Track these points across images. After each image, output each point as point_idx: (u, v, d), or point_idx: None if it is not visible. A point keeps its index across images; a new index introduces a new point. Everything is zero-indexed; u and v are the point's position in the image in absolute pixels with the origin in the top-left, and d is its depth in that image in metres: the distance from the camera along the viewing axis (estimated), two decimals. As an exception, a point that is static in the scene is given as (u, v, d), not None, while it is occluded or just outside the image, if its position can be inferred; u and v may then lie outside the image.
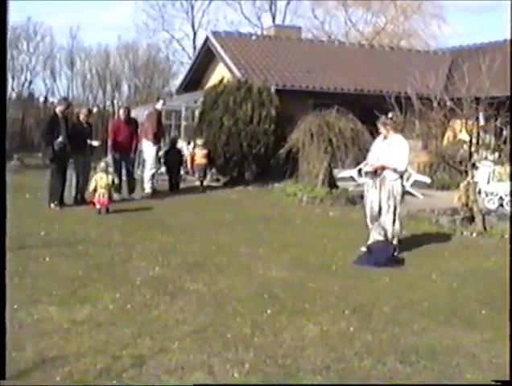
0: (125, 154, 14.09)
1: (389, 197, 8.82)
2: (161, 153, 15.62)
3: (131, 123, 14.38)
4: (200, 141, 16.68)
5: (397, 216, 8.94)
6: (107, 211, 11.93)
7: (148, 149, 15.03)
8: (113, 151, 14.16)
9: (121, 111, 14.49)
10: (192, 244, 9.26)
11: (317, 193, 14.07)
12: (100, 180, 12.19)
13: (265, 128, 16.59)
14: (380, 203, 8.89)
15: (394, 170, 8.77)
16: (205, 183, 16.62)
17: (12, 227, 9.83)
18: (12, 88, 36.45)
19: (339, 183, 15.05)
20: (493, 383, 4.44)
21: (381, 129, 9.00)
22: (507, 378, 4.63)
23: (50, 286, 6.68)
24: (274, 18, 40.77)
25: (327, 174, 14.53)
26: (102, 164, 12.60)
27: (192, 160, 16.56)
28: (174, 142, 16.62)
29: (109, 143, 14.29)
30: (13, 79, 36.37)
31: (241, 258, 8.41)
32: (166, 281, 7.08)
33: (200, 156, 16.52)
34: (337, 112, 14.70)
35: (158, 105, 15.30)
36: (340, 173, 15.47)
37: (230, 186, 16.48)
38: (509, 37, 17.11)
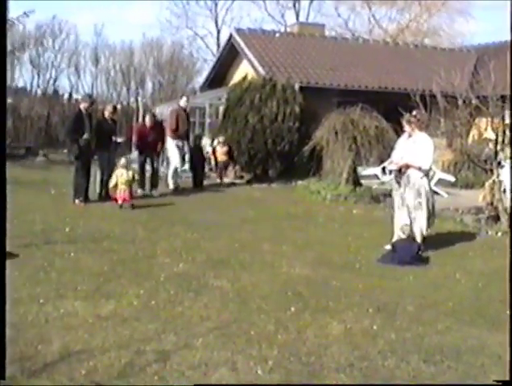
0: (150, 154, 14.19)
1: (417, 195, 8.74)
2: (186, 149, 15.66)
3: (157, 127, 14.47)
4: (220, 138, 16.80)
5: (429, 214, 8.86)
6: (132, 206, 12.02)
7: (170, 146, 15.15)
8: (138, 149, 14.28)
9: (147, 118, 14.56)
10: (215, 240, 9.29)
11: (341, 191, 14.04)
12: (120, 176, 12.28)
13: (289, 125, 16.61)
14: (408, 201, 8.81)
15: (419, 169, 8.71)
16: (228, 180, 16.72)
17: (38, 223, 10.03)
18: (38, 84, 36.92)
19: (363, 181, 15.00)
20: (494, 383, 4.41)
21: (406, 127, 8.94)
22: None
23: (75, 281, 6.73)
24: (297, 16, 40.77)
25: (351, 172, 14.49)
26: (123, 160, 12.69)
27: (214, 157, 16.72)
28: (198, 140, 16.70)
29: (134, 142, 14.42)
30: (38, 76, 36.83)
31: (264, 255, 8.41)
32: (190, 277, 7.10)
33: (221, 153, 16.62)
34: (361, 110, 14.62)
35: (182, 102, 15.39)
36: (364, 171, 15.41)
37: (254, 184, 16.51)
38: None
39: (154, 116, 14.97)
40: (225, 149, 16.56)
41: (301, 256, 8.45)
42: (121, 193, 12.11)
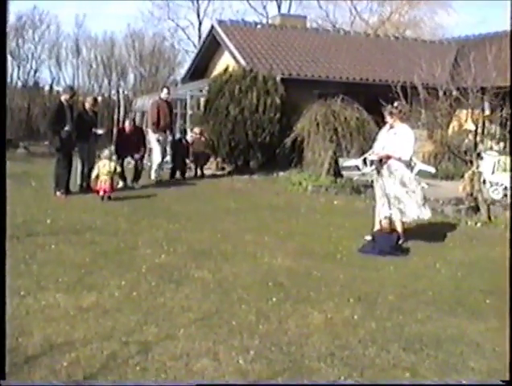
0: (131, 154, 14.17)
1: (403, 185, 8.76)
2: (168, 141, 15.63)
3: (137, 132, 14.43)
4: (196, 129, 16.80)
5: (406, 205, 8.88)
6: (109, 198, 11.98)
7: (151, 139, 15.12)
8: (116, 153, 14.11)
9: (127, 123, 14.62)
10: (197, 232, 9.28)
11: (322, 182, 14.08)
12: (102, 167, 12.22)
13: (270, 116, 16.60)
14: (388, 191, 8.84)
15: (399, 159, 8.76)
16: (210, 172, 16.73)
17: (19, 215, 9.96)
18: (18, 76, 36.57)
19: (344, 173, 15.05)
20: (496, 382, 4.43)
21: (388, 118, 8.98)
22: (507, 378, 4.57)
23: (57, 273, 6.71)
24: (279, 8, 40.75)
25: (332, 164, 14.53)
26: (106, 151, 12.66)
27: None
28: (183, 132, 16.74)
29: (113, 144, 14.40)
30: (18, 67, 36.48)
31: (246, 246, 8.43)
32: (171, 268, 7.10)
33: (197, 144, 16.66)
34: (342, 102, 14.66)
35: (163, 94, 15.31)
36: (345, 162, 15.45)
37: (235, 175, 16.49)
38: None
39: (134, 120, 14.96)
40: (202, 140, 16.55)
41: (283, 246, 8.47)
42: (103, 184, 12.05)
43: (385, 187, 8.87)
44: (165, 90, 15.45)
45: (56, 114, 12.38)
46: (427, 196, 9.80)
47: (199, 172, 16.45)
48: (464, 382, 4.54)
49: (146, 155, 14.77)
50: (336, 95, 14.91)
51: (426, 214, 8.91)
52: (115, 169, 12.48)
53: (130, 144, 13.96)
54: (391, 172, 8.79)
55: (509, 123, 13.11)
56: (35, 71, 37.15)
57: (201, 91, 19.92)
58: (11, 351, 4.63)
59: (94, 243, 8.26)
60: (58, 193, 12.29)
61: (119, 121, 26.02)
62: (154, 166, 14.93)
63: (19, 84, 36.68)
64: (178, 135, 16.89)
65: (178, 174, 15.82)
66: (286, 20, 24.44)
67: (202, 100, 19.28)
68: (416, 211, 8.81)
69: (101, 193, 12.00)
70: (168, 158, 16.14)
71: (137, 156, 14.02)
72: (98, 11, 54.94)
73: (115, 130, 15.82)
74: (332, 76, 19.41)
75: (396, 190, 8.78)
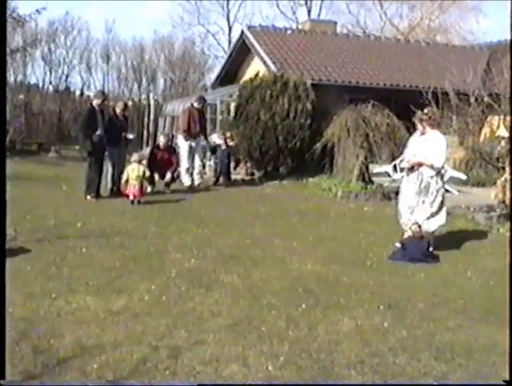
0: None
1: (425, 193, 8.72)
2: (202, 146, 15.69)
3: (169, 150, 14.53)
4: (227, 134, 16.90)
5: (441, 212, 8.81)
6: (138, 202, 12.06)
7: (181, 144, 15.21)
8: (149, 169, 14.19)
9: (161, 139, 14.75)
10: (227, 236, 9.30)
11: (352, 188, 14.01)
12: (131, 172, 12.29)
13: (301, 122, 16.56)
14: (415, 198, 8.78)
15: (431, 167, 8.68)
16: (240, 177, 16.81)
17: (50, 218, 10.08)
18: (49, 81, 36.97)
19: (374, 179, 14.95)
20: (497, 382, 4.41)
21: (418, 125, 8.91)
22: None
23: (87, 276, 6.76)
24: (309, 13, 40.66)
25: (362, 169, 14.44)
26: (135, 155, 12.72)
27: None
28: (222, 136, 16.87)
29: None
30: (50, 72, 36.94)
31: (275, 251, 8.42)
32: (201, 273, 7.12)
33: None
34: (373, 107, 14.58)
35: (196, 104, 15.32)
36: (375, 168, 15.36)
37: (265, 181, 16.50)
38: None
39: (168, 136, 15.09)
40: (231, 144, 16.64)
41: (312, 252, 8.45)
42: (132, 188, 12.13)
43: (416, 194, 8.80)
44: (201, 102, 15.43)
45: (88, 118, 12.52)
46: (457, 204, 9.71)
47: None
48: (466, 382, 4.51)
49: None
50: (367, 100, 14.83)
51: (430, 227, 8.83)
52: (144, 173, 12.55)
53: (163, 161, 14.10)
54: (421, 179, 8.71)
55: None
56: (67, 76, 37.57)
57: (231, 96, 19.96)
58: (43, 353, 4.69)
59: (124, 246, 8.32)
60: (89, 197, 12.42)
61: (149, 125, 26.24)
62: (183, 172, 14.99)
63: (51, 88, 37.10)
64: (218, 141, 16.92)
65: (221, 180, 15.91)
66: (317, 25, 24.42)
67: (232, 105, 19.32)
68: (424, 223, 8.73)
69: (131, 197, 12.08)
70: (210, 163, 16.23)
71: (170, 171, 14.08)
72: (128, 16, 55.39)
73: (149, 148, 15.93)
74: (362, 82, 19.35)
75: (427, 197, 8.71)
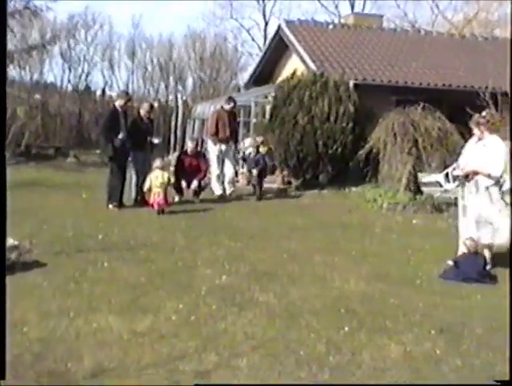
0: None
1: (492, 203, 8.57)
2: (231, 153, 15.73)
3: (199, 157, 14.57)
4: (258, 139, 16.97)
5: (502, 227, 8.67)
6: (162, 211, 12.15)
7: (210, 150, 15.29)
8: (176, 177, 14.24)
9: (189, 144, 14.70)
10: (261, 250, 9.30)
11: (399, 199, 13.92)
12: (155, 179, 12.36)
13: (342, 126, 16.54)
14: (475, 211, 8.65)
15: (489, 176, 8.55)
16: (276, 186, 16.85)
17: (68, 229, 10.17)
18: (68, 80, 37.27)
19: (423, 189, 14.83)
20: (494, 383, 4.44)
21: (475, 130, 8.79)
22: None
23: (109, 293, 6.79)
24: (352, 6, 40.70)
25: (410, 179, 14.33)
26: (158, 161, 12.76)
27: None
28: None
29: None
30: (69, 70, 37.24)
31: (315, 268, 8.39)
32: (233, 290, 7.12)
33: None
34: (423, 110, 14.47)
35: (227, 106, 15.36)
36: (425, 177, 15.24)
37: (303, 190, 16.51)
38: None
39: (196, 142, 15.13)
40: (264, 149, 16.72)
41: (355, 269, 8.39)
42: (156, 197, 12.20)
43: (468, 207, 8.69)
44: (231, 104, 15.44)
45: (110, 121, 12.63)
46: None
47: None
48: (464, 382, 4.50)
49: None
50: (416, 102, 14.73)
51: (489, 242, 8.68)
52: (169, 180, 12.60)
53: (192, 167, 14.14)
54: (479, 189, 8.60)
55: None
56: (87, 75, 37.99)
57: (266, 97, 20.03)
58: (60, 377, 4.71)
59: (149, 261, 8.36)
60: (111, 206, 12.53)
61: (176, 128, 26.38)
62: (214, 179, 15.05)
63: (70, 88, 37.45)
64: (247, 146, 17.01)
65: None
66: (361, 20, 24.42)
67: (268, 107, 19.35)
68: (483, 238, 8.59)
69: (156, 207, 12.15)
70: (243, 170, 16.30)
71: (197, 178, 14.09)
72: (154, 11, 55.93)
73: (176, 154, 15.98)
74: (411, 82, 19.24)
75: (487, 209, 8.57)
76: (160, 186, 12.27)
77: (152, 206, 12.24)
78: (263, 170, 15.74)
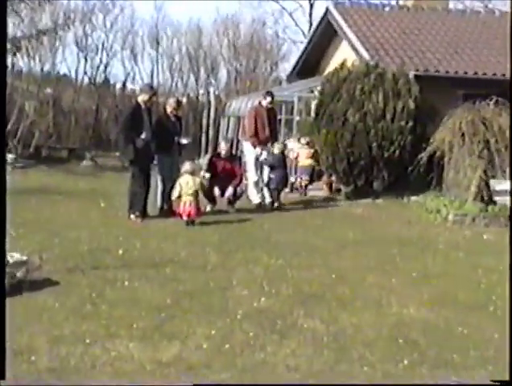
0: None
1: None
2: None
3: (233, 161, 14.59)
4: (302, 140, 16.99)
5: None
6: (192, 223, 12.21)
7: (247, 152, 15.29)
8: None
9: (222, 145, 14.70)
10: (306, 269, 9.27)
11: (468, 210, 13.79)
12: (185, 185, 12.40)
13: (400, 125, 16.44)
14: None
15: None
16: (322, 194, 16.82)
17: (84, 242, 10.25)
18: (84, 71, 37.30)
19: (496, 198, 14.68)
20: (494, 383, 4.58)
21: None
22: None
23: (130, 317, 6.81)
24: (413, -15, 40.42)
25: (481, 186, 14.20)
26: (187, 165, 12.78)
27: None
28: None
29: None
30: (85, 60, 37.20)
31: (368, 290, 8.35)
32: (274, 315, 7.10)
33: (304, 156, 16.81)
34: (496, 106, 14.35)
35: (264, 102, 15.34)
36: (498, 184, 15.09)
37: (354, 199, 16.47)
38: None
39: (231, 143, 15.15)
40: (310, 151, 16.72)
41: (416, 292, 8.32)
42: (186, 206, 12.24)
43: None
44: (268, 98, 15.42)
45: (131, 119, 12.68)
46: None
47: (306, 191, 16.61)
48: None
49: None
50: (488, 96, 14.60)
51: None
52: (201, 185, 12.62)
53: (225, 172, 14.16)
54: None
55: None
56: (106, 66, 38.03)
57: (312, 91, 20.05)
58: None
59: (177, 280, 8.37)
60: (132, 216, 12.61)
61: (208, 128, 26.46)
62: (251, 186, 15.06)
63: (86, 80, 37.58)
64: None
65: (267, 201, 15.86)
66: (423, 1, 24.24)
67: (313, 103, 19.34)
68: None
69: (185, 217, 12.20)
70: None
71: (233, 185, 14.09)
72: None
73: (207, 157, 15.99)
74: (481, 72, 19.09)
75: None
76: (192, 194, 12.31)
77: (180, 216, 12.28)
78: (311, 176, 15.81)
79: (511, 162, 13.65)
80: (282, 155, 15.62)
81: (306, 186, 17.37)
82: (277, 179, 14.99)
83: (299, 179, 17.43)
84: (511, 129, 13.42)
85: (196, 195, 12.41)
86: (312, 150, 16.97)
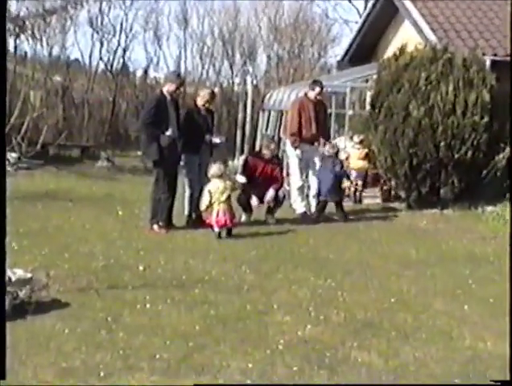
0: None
1: None
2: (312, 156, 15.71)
3: (273, 163, 14.52)
4: (356, 138, 16.95)
5: None
6: (229, 234, 12.32)
7: (290, 153, 15.23)
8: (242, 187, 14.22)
9: (264, 146, 14.65)
10: (360, 292, 9.23)
11: (557, 222, 13.68)
12: (215, 191, 12.43)
13: (474, 120, 16.28)
14: None
15: None
16: (377, 201, 16.77)
17: (99, 257, 10.29)
18: (99, 56, 37.16)
19: None
20: (493, 383, 4.77)
21: None
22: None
23: (152, 346, 6.82)
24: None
25: None
26: (215, 167, 12.78)
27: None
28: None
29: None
30: (101, 44, 36.98)
31: (435, 318, 8.28)
32: (322, 346, 7.08)
33: (356, 158, 16.77)
34: None
35: (312, 93, 15.21)
36: None
37: (418, 208, 16.35)
38: None
39: (272, 141, 15.05)
40: (364, 151, 16.67)
41: (494, 322, 8.25)
42: (221, 215, 12.26)
43: None
44: (317, 89, 15.32)
45: (155, 112, 12.66)
46: None
47: (361, 199, 16.57)
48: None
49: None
50: None
51: None
52: (233, 188, 12.60)
53: (264, 176, 14.13)
54: None
55: None
56: (124, 50, 37.87)
57: (367, 81, 19.98)
58: None
59: (207, 303, 8.37)
60: (156, 227, 12.65)
61: (245, 123, 26.47)
62: (295, 193, 14.99)
63: (101, 66, 37.52)
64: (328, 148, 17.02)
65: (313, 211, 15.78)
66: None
67: (368, 94, 19.29)
68: None
69: (217, 228, 12.21)
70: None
71: (274, 188, 14.05)
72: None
73: (243, 158, 15.91)
74: None
75: None
76: (225, 201, 12.34)
77: (211, 227, 12.29)
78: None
79: (511, 162, 13.49)
80: (336, 158, 15.61)
81: (359, 192, 17.33)
82: (327, 187, 14.93)
83: (350, 184, 17.37)
84: (511, 127, 13.28)
85: (229, 200, 12.45)
86: (366, 150, 16.89)
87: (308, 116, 15.04)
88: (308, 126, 15.03)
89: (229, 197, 12.43)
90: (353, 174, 17.30)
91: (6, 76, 8.49)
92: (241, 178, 13.92)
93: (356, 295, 9.06)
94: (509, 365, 4.93)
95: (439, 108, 16.32)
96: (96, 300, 8.24)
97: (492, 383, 5.17)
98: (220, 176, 12.65)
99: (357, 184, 17.37)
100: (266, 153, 14.32)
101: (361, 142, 17.50)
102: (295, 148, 15.03)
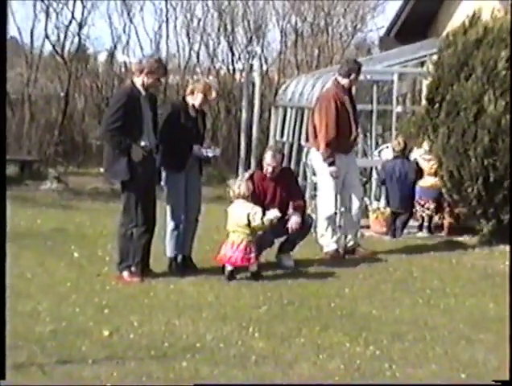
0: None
1: None
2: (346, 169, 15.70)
3: (283, 178, 14.43)
4: (425, 146, 16.95)
5: None
6: (255, 276, 12.58)
7: (318, 169, 15.15)
8: None
9: (268, 156, 14.33)
10: (416, 364, 9.18)
11: None
12: (236, 216, 12.64)
13: None
14: None
15: None
16: (442, 234, 16.82)
17: (45, 319, 10.27)
18: (45, 33, 36.89)
19: None
20: (493, 383, 5.82)
21: None
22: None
23: None
24: None
25: None
26: (243, 185, 12.98)
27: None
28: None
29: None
30: (47, 15, 36.81)
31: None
32: None
33: (426, 172, 16.83)
34: None
35: (345, 80, 15.04)
36: None
37: (496, 243, 16.31)
38: None
39: (282, 154, 14.78)
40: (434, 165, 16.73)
41: None
42: (235, 251, 12.46)
43: None
44: (353, 75, 15.06)
45: (124, 113, 12.61)
46: None
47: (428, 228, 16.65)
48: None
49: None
50: None
51: None
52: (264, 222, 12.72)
53: (270, 201, 14.02)
54: None
55: None
56: (81, 24, 37.74)
57: (422, 65, 19.97)
58: None
59: (199, 380, 8.31)
60: (126, 274, 12.66)
61: (251, 125, 26.43)
62: (323, 224, 14.89)
63: (48, 47, 37.38)
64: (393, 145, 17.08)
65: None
66: None
67: (424, 83, 19.29)
68: None
69: (229, 267, 12.51)
70: (378, 204, 16.35)
71: (297, 215, 13.96)
72: None
73: (247, 175, 15.84)
74: None
75: None
76: (251, 233, 12.57)
77: (223, 265, 12.60)
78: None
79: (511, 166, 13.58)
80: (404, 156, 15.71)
81: (430, 218, 17.41)
82: (398, 196, 15.07)
83: (419, 208, 17.32)
84: (511, 128, 13.36)
85: (254, 234, 12.67)
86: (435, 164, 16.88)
87: (346, 114, 14.91)
88: (347, 129, 14.91)
89: (253, 230, 12.61)
90: (420, 192, 17.25)
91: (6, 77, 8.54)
92: (275, 213, 13.62)
93: (410, 368, 9.01)
94: (509, 365, 5.17)
95: (526, 103, 16.32)
96: (40, 379, 8.17)
97: (492, 383, 6.00)
98: (247, 197, 12.88)
99: (428, 208, 17.29)
100: (269, 169, 13.97)
101: (429, 152, 17.30)
102: (331, 164, 14.85)
